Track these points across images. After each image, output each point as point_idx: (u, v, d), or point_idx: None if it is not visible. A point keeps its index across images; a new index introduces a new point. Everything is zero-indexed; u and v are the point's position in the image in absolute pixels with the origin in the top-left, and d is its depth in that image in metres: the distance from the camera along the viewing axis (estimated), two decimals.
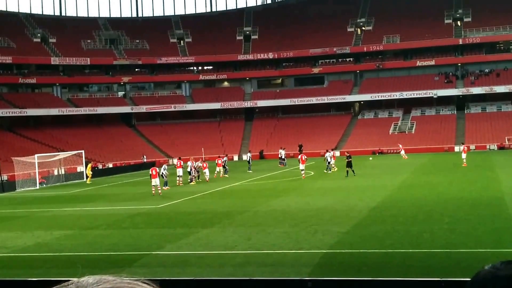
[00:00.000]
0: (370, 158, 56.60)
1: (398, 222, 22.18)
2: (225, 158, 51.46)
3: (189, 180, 43.60)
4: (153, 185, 36.66)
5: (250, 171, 51.38)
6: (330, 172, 46.63)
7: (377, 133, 76.59)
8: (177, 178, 43.26)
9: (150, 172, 37.32)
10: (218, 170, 48.31)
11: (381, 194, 30.77)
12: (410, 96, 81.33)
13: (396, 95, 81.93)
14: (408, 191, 32.05)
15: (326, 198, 30.51)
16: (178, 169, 43.76)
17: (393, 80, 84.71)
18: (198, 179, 44.59)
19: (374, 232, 20.19)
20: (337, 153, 63.52)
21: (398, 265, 15.96)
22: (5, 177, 49.74)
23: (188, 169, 43.72)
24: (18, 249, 20.63)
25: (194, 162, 44.77)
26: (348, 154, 43.54)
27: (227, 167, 50.00)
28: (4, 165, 50.32)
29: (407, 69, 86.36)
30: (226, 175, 48.32)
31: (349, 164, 41.95)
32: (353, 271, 15.68)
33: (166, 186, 40.58)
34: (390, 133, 77.96)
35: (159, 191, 36.69)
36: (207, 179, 44.30)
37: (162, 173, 40.75)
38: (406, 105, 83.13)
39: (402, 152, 61.06)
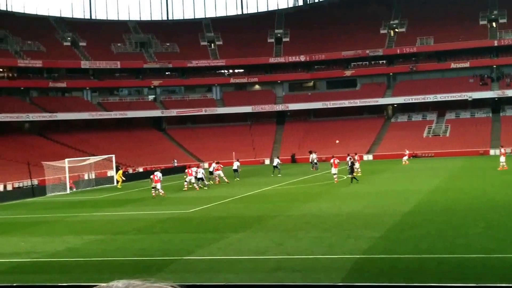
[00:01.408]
0: (337, 141, 54.37)
1: (432, 226, 21.90)
2: (237, 163, 52.50)
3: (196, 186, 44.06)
4: (153, 187, 39.66)
5: (279, 175, 51.16)
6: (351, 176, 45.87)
7: (411, 137, 75.63)
8: (192, 184, 44.12)
9: (152, 177, 40.51)
10: (217, 174, 48.08)
11: (415, 198, 30.33)
12: (444, 99, 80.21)
13: (430, 97, 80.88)
14: (443, 195, 31.53)
15: (359, 202, 30.08)
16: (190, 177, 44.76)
17: (426, 82, 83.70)
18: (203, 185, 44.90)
19: (408, 237, 19.96)
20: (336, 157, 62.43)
21: (433, 270, 15.86)
22: (35, 181, 50.18)
23: (199, 175, 44.37)
24: (48, 254, 20.74)
25: (199, 169, 45.73)
26: (352, 160, 42.70)
27: (239, 171, 51.08)
28: (35, 170, 50.65)
29: (441, 71, 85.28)
30: (237, 179, 49.23)
31: (352, 171, 41.02)
32: (387, 277, 15.50)
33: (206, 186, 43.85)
34: (424, 136, 77.00)
35: (161, 193, 39.22)
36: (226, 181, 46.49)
37: (200, 176, 43.80)
38: (440, 108, 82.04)
39: (405, 158, 59.54)
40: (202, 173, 44.83)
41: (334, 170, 42.56)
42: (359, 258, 17.21)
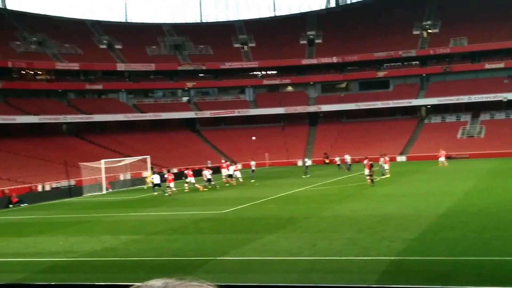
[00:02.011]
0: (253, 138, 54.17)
1: (468, 228, 21.61)
2: (253, 163, 54.01)
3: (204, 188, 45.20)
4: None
5: (308, 175, 51.41)
6: (384, 177, 45.82)
7: (445, 138, 74.86)
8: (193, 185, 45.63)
9: (167, 177, 43.64)
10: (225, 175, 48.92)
11: (450, 200, 30.03)
12: (478, 100, 79.23)
13: (464, 98, 79.98)
14: (478, 196, 31.19)
15: (393, 204, 29.94)
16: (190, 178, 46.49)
17: (460, 83, 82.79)
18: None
19: (443, 239, 19.74)
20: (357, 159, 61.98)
21: (468, 273, 15.62)
22: (72, 182, 50.92)
23: (207, 177, 45.83)
24: (86, 254, 20.97)
25: (209, 170, 47.11)
26: (371, 163, 42.50)
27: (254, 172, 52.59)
28: (72, 170, 51.47)
29: (475, 72, 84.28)
30: (253, 180, 50.25)
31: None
32: (421, 279, 15.39)
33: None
34: (458, 138, 76.18)
35: (169, 193, 41.94)
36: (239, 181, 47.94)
37: (209, 177, 45.63)
38: (475, 109, 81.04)
39: (442, 158, 58.86)
40: (210, 174, 46.02)
41: (367, 172, 42.49)
42: (393, 260, 17.03)
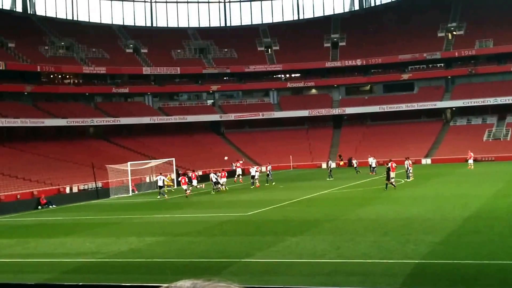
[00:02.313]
0: (226, 158, 53.77)
1: (493, 232, 21.48)
2: (269, 167, 54.32)
3: (212, 191, 45.96)
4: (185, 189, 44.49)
5: (332, 178, 51.41)
6: (409, 180, 45.63)
7: (470, 140, 74.23)
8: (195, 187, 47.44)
9: (180, 180, 46.01)
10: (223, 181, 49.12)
11: (476, 203, 29.85)
12: (504, 102, 78.46)
13: (490, 101, 79.25)
14: (504, 200, 30.87)
15: (417, 206, 29.84)
16: (194, 180, 47.84)
17: (486, 85, 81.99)
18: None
19: (468, 242, 19.65)
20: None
21: (493, 277, 15.57)
22: (99, 184, 51.46)
23: (214, 180, 46.78)
24: (113, 255, 21.20)
25: (216, 173, 48.23)
26: (388, 166, 42.30)
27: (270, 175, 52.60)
28: (99, 173, 51.94)
29: (501, 74, 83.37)
30: (267, 184, 50.40)
31: (388, 176, 40.28)
32: (446, 282, 15.38)
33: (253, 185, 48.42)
34: (484, 140, 75.55)
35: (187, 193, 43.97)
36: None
37: (215, 180, 47.09)
38: (501, 111, 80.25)
39: (471, 160, 58.35)
40: (216, 177, 46.96)
41: (392, 174, 42.39)
42: (418, 263, 16.98)
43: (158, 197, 44.78)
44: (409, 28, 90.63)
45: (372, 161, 58.06)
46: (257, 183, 49.43)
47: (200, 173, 55.11)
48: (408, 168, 46.76)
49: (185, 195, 43.76)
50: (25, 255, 22.35)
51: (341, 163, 74.23)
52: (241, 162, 52.94)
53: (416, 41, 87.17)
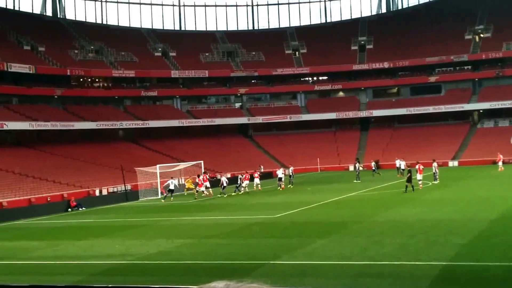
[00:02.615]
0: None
1: None
2: (291, 169, 54.74)
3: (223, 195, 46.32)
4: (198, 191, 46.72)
5: (359, 181, 51.35)
6: (436, 182, 45.32)
7: (498, 143, 73.48)
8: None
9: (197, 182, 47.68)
10: (258, 183, 49.52)
11: (502, 205, 29.61)
12: None
13: None
14: None
15: (444, 208, 29.72)
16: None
17: None
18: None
19: (496, 244, 19.54)
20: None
21: None
22: (129, 186, 51.93)
23: (223, 185, 47.16)
24: (142, 257, 21.37)
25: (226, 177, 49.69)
26: (409, 169, 41.82)
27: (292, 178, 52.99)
28: (128, 175, 52.42)
29: None
30: (290, 186, 50.82)
31: (409, 179, 39.79)
32: (474, 284, 15.37)
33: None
34: (511, 142, 74.65)
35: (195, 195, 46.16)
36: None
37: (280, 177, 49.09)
38: None
39: (500, 163, 57.63)
40: (227, 181, 47.88)
41: (419, 176, 42.23)
42: (445, 265, 16.96)
43: (163, 200, 45.78)
44: (436, 31, 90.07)
45: (400, 163, 57.74)
46: (282, 185, 49.69)
47: (229, 175, 55.21)
48: (435, 170, 46.52)
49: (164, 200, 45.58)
50: (55, 257, 22.52)
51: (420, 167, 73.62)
52: (258, 173, 52.22)
53: (443, 44, 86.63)
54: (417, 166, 42.71)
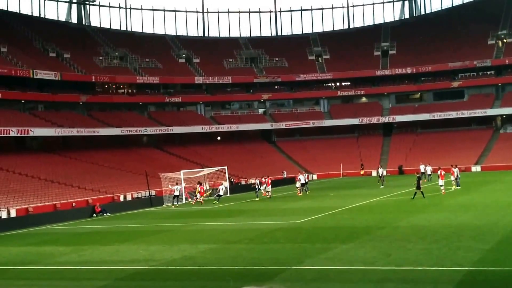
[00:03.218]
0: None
1: None
2: (305, 175, 53.92)
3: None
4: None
5: (382, 187, 51.12)
6: (458, 187, 44.96)
7: None
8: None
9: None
10: (268, 189, 49.30)
11: None
12: None
13: None
14: None
15: (467, 214, 29.62)
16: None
17: None
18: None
19: None
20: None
21: None
22: (153, 192, 52.25)
23: (221, 192, 48.01)
24: (166, 262, 21.51)
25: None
26: (418, 174, 41.26)
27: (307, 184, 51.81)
28: (153, 181, 52.73)
29: None
30: (307, 193, 49.99)
31: (418, 185, 39.24)
32: None
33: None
34: None
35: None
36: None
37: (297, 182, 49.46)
38: None
39: None
40: (224, 190, 48.84)
41: (440, 182, 42.06)
42: (469, 270, 16.90)
43: (171, 204, 47.14)
44: (459, 36, 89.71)
45: (426, 168, 57.03)
46: (298, 191, 49.95)
47: (252, 181, 55.25)
48: (458, 175, 46.14)
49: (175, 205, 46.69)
50: (81, 263, 22.70)
51: (362, 172, 73.87)
52: (265, 178, 51.63)
53: (466, 49, 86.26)
54: (438, 172, 42.53)
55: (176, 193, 47.23)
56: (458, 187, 45.14)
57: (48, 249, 27.38)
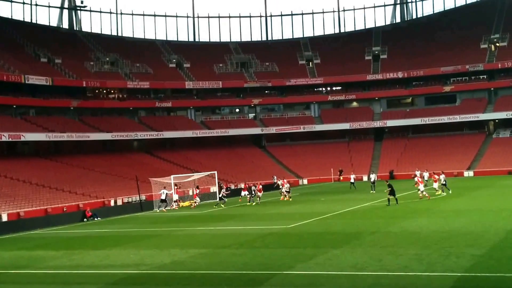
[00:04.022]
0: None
1: None
2: (281, 182, 52.85)
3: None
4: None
5: (373, 192, 50.97)
6: (443, 194, 44.38)
7: None
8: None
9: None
10: (243, 195, 49.48)
11: None
12: None
13: None
14: None
15: (459, 219, 29.64)
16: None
17: None
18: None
19: None
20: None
21: None
22: (143, 197, 52.15)
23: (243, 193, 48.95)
24: (156, 267, 21.55)
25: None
26: (389, 183, 40.66)
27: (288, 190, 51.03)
28: (143, 186, 52.68)
29: None
30: (290, 199, 49.48)
31: (392, 192, 38.79)
32: None
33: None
34: None
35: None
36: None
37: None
38: None
39: None
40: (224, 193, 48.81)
41: (420, 187, 42.19)
42: (460, 276, 16.94)
43: (158, 210, 47.20)
44: (451, 40, 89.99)
45: (423, 174, 56.11)
46: (283, 196, 49.89)
47: (242, 186, 55.18)
48: (444, 181, 45.53)
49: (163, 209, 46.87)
50: (71, 267, 22.82)
51: (341, 178, 73.85)
52: (246, 184, 51.79)
53: (458, 53, 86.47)
54: (426, 175, 42.41)
55: (163, 197, 47.19)
56: (443, 194, 44.46)
57: (39, 254, 27.43)
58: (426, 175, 55.31)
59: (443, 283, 16.45)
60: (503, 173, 68.17)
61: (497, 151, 75.71)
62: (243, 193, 50.83)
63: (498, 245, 21.49)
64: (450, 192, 44.97)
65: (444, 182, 45.58)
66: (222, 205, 47.29)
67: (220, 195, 49.36)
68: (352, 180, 59.11)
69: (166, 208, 47.36)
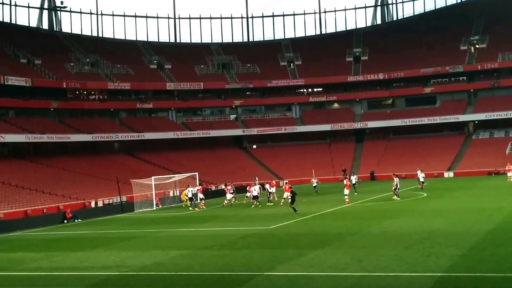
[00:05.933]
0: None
1: None
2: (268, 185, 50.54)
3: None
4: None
5: (356, 193, 50.81)
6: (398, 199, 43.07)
7: (493, 154, 73.98)
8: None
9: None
10: (229, 198, 48.40)
11: (499, 216, 29.76)
12: None
13: None
14: None
15: (440, 220, 29.80)
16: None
17: (509, 98, 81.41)
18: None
19: (492, 255, 19.59)
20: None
21: None
22: (124, 198, 51.98)
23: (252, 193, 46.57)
24: (137, 268, 21.43)
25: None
26: (292, 189, 39.30)
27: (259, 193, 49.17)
28: (124, 187, 52.50)
29: None
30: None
31: (293, 200, 37.75)
32: None
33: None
34: (507, 153, 74.96)
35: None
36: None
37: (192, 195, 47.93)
38: None
39: (510, 173, 56.82)
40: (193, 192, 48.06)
41: (346, 191, 42.26)
42: (441, 276, 16.99)
43: (190, 208, 47.05)
44: (431, 42, 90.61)
45: (419, 174, 54.97)
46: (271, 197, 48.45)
47: (229, 187, 54.34)
48: (397, 185, 43.62)
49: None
50: (52, 269, 22.66)
51: (347, 177, 73.11)
52: (229, 186, 50.43)
53: (438, 55, 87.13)
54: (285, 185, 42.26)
55: (189, 195, 47.50)
56: (398, 198, 42.90)
57: (19, 255, 27.21)
58: (421, 175, 54.27)
59: (424, 283, 16.50)
60: (483, 174, 68.78)
61: (476, 152, 76.38)
62: (250, 193, 47.50)
63: (478, 245, 21.60)
64: (399, 199, 43.03)
65: (396, 186, 44.18)
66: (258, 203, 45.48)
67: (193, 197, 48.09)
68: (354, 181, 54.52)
69: (197, 202, 47.47)
